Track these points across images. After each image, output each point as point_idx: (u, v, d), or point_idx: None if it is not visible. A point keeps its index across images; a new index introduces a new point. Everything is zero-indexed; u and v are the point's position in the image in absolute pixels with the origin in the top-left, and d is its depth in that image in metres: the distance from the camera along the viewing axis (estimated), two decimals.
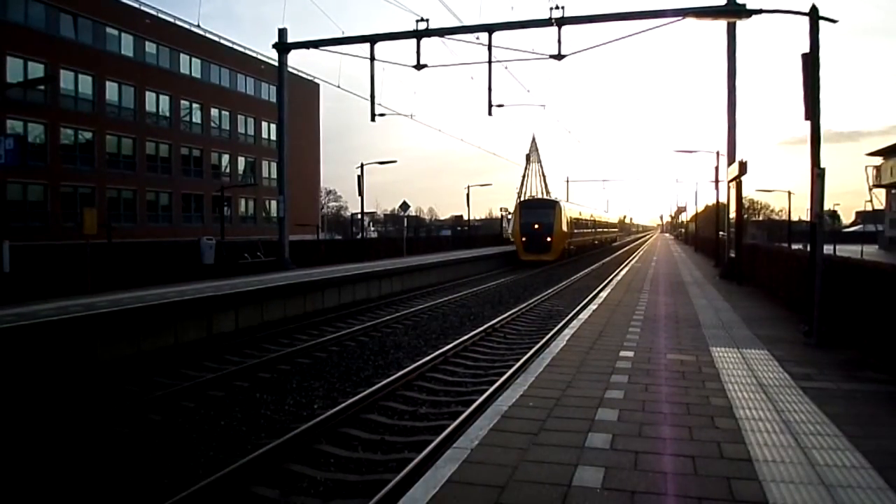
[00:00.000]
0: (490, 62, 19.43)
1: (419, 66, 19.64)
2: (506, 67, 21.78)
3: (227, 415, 7.56)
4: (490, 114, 20.17)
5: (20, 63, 31.49)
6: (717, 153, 23.78)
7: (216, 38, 45.37)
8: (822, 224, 8.15)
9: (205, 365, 10.36)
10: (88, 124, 35.80)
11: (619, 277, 19.02)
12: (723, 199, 22.51)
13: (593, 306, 11.80)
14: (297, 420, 7.33)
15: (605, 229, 62.61)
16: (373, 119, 21.31)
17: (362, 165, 30.98)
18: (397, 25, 77.37)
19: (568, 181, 71.71)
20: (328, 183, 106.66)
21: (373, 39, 20.51)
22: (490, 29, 19.10)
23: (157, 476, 5.69)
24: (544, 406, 5.15)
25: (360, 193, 30.79)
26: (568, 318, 13.68)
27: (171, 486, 5.36)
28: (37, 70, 31.86)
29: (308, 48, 22.03)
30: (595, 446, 4.22)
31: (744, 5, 15.61)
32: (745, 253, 17.62)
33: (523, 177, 75.35)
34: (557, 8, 18.08)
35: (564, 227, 37.44)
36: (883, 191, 42.40)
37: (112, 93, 37.75)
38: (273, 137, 49.18)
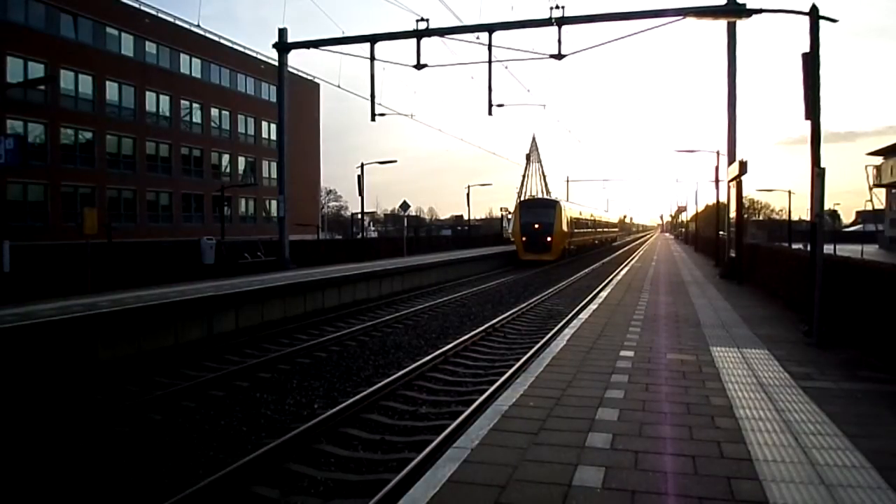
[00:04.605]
0: (490, 62, 19.44)
1: (419, 66, 19.65)
2: (506, 67, 21.78)
3: (228, 414, 7.56)
4: (490, 113, 20.20)
5: (20, 63, 31.48)
6: (718, 153, 23.81)
7: (216, 38, 45.40)
8: (822, 224, 8.14)
9: (205, 365, 10.36)
10: (88, 124, 35.80)
11: (619, 277, 19.02)
12: (723, 199, 22.53)
13: (593, 306, 11.80)
14: (298, 420, 7.33)
15: (606, 229, 62.60)
16: (373, 119, 21.34)
17: (362, 165, 31.06)
18: (397, 25, 77.27)
19: (568, 181, 71.74)
20: (328, 183, 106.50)
21: (373, 39, 20.51)
22: (490, 29, 19.10)
23: (157, 475, 5.70)
24: (545, 406, 5.15)
25: (361, 193, 30.86)
26: (568, 317, 13.70)
27: (172, 486, 5.37)
28: (37, 70, 31.84)
29: (308, 48, 22.05)
30: (595, 446, 4.23)
31: (744, 5, 15.62)
32: (745, 253, 17.61)
33: (523, 177, 75.31)
34: (557, 8, 18.09)
35: (564, 227, 37.43)
36: (883, 190, 42.44)
37: (112, 93, 37.75)
38: (273, 137, 49.19)
